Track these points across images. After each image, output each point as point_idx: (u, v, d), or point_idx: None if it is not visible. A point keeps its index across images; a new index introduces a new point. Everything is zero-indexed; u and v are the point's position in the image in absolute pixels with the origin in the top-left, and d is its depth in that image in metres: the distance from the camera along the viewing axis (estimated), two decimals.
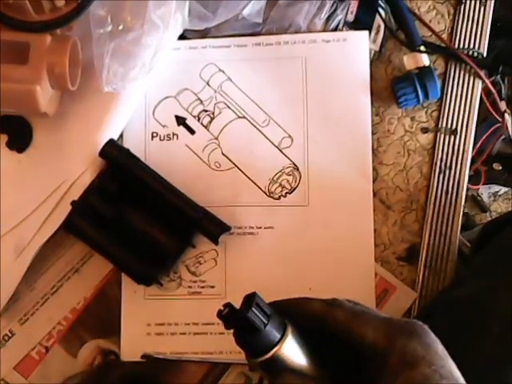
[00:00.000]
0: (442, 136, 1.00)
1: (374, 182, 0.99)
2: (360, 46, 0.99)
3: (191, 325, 0.97)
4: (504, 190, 1.17)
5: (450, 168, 0.99)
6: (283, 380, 0.61)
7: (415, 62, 0.99)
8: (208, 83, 1.00)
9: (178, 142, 0.99)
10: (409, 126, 1.01)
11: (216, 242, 0.95)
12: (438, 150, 1.00)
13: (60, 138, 0.96)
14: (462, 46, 1.02)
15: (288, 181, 0.98)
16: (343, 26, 1.00)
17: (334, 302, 0.66)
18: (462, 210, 0.99)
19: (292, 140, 0.99)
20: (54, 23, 0.87)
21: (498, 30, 1.05)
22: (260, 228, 0.98)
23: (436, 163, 1.00)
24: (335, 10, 0.99)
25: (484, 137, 1.06)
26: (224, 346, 0.95)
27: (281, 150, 0.98)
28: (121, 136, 0.99)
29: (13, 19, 0.85)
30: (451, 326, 0.82)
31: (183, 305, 0.97)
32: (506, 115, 1.03)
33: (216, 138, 0.99)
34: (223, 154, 0.99)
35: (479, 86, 1.01)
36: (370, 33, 1.00)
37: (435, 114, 1.01)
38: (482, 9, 1.02)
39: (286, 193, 0.98)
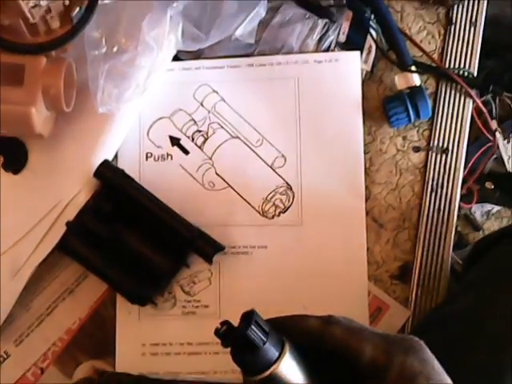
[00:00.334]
0: (434, 155, 1.01)
1: (366, 200, 0.99)
2: (352, 66, 1.00)
3: (186, 345, 0.97)
4: (496, 208, 1.17)
5: (442, 186, 1.00)
6: None
7: (406, 82, 1.00)
8: (202, 104, 1.00)
9: (172, 163, 1.00)
10: (401, 145, 1.01)
11: (210, 262, 0.95)
12: (430, 168, 1.00)
13: (55, 159, 0.96)
14: (452, 65, 1.03)
15: (281, 200, 0.98)
16: (335, 46, 1.00)
17: (331, 318, 0.65)
18: (454, 228, 1.00)
19: (285, 159, 0.99)
20: (49, 45, 0.87)
21: (488, 50, 1.06)
22: (254, 247, 0.98)
23: (428, 182, 1.00)
24: (327, 30, 1.00)
25: (476, 156, 1.06)
26: (218, 365, 0.95)
27: (274, 170, 0.99)
28: (115, 157, 0.99)
29: (8, 41, 0.85)
30: (445, 342, 0.82)
31: (178, 325, 0.97)
32: (497, 134, 1.04)
33: (210, 158, 0.99)
34: (217, 173, 0.99)
35: (470, 105, 1.02)
36: (361, 53, 1.01)
37: (427, 133, 1.02)
38: (473, 29, 1.03)
39: (280, 212, 0.98)
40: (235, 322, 0.59)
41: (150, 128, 1.00)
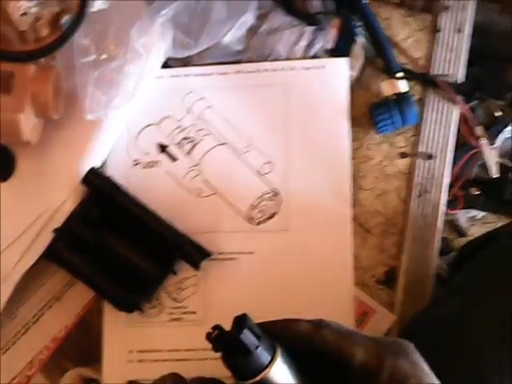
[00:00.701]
0: (420, 161, 1.01)
1: (353, 206, 0.99)
2: (339, 72, 1.01)
3: (173, 351, 0.96)
4: (482, 214, 1.18)
5: (428, 192, 1.01)
6: None
7: (393, 89, 1.00)
8: (190, 111, 1.01)
9: (159, 169, 1.00)
10: (387, 151, 1.02)
11: (197, 268, 0.95)
12: (416, 174, 1.01)
13: (43, 166, 0.96)
14: (439, 72, 1.03)
15: (268, 206, 0.98)
16: (323, 53, 1.01)
17: (321, 322, 0.65)
18: (439, 233, 1.00)
19: (272, 166, 0.99)
20: (38, 53, 0.88)
21: (474, 57, 1.06)
22: (241, 254, 0.98)
23: (414, 187, 1.01)
24: (315, 38, 1.00)
25: (461, 162, 1.07)
26: (206, 371, 0.94)
27: (261, 176, 0.99)
28: (103, 163, 0.99)
29: None
30: (431, 346, 0.82)
31: (165, 331, 0.97)
32: (483, 140, 1.04)
33: (197, 165, 0.99)
34: (204, 180, 0.99)
35: (456, 111, 1.02)
36: (348, 60, 1.01)
37: (413, 139, 1.02)
38: (459, 36, 1.03)
39: (267, 218, 0.98)
40: (231, 324, 0.59)
41: (138, 135, 1.01)
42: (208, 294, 0.98)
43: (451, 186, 1.06)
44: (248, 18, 0.96)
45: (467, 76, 1.04)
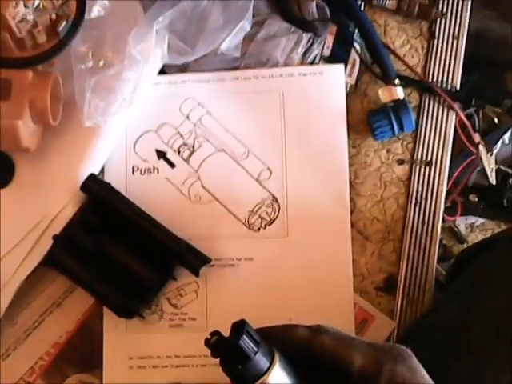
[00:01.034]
0: (418, 167, 1.02)
1: (351, 213, 0.99)
2: (336, 79, 1.01)
3: (173, 357, 0.96)
4: (480, 221, 1.18)
5: (426, 199, 1.01)
6: None
7: (390, 95, 1.01)
8: (188, 117, 1.01)
9: (158, 176, 1.00)
10: (385, 158, 1.02)
11: (197, 274, 0.95)
12: (414, 181, 1.01)
13: (42, 172, 0.96)
14: (435, 79, 1.04)
15: (267, 212, 0.99)
16: (320, 60, 1.02)
17: (319, 328, 0.66)
18: (438, 239, 1.00)
19: (271, 172, 1.00)
20: (36, 59, 0.88)
21: (471, 64, 1.07)
22: (240, 260, 0.98)
23: (412, 194, 1.01)
24: (312, 44, 1.01)
25: (460, 168, 1.07)
26: (206, 378, 0.95)
27: (260, 182, 0.99)
28: (102, 170, 0.99)
29: None
30: (430, 351, 0.82)
31: (165, 337, 0.97)
32: (480, 147, 1.04)
33: (196, 171, 1.00)
34: (203, 186, 0.99)
35: (453, 118, 1.03)
36: (345, 67, 1.02)
37: (411, 145, 1.02)
38: (455, 43, 1.04)
39: (266, 224, 0.99)
40: (230, 330, 0.59)
41: (136, 142, 1.01)
42: (208, 300, 0.98)
43: (449, 192, 1.06)
44: (245, 25, 0.97)
45: (464, 83, 1.05)
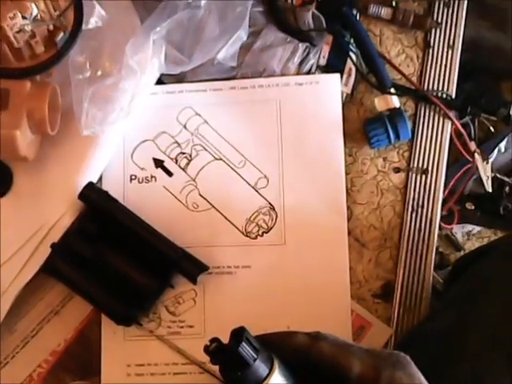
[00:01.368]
0: (414, 175, 1.02)
1: (348, 220, 1.00)
2: (332, 88, 1.02)
3: (171, 365, 0.96)
4: (477, 229, 1.18)
5: (422, 206, 1.01)
6: None
7: (386, 104, 1.01)
8: (185, 126, 1.02)
9: (156, 184, 1.01)
10: (381, 166, 1.03)
11: (194, 282, 0.96)
12: (410, 189, 1.02)
13: (40, 181, 0.97)
14: (431, 88, 1.04)
15: (264, 220, 0.99)
16: (316, 69, 1.02)
17: (318, 335, 0.66)
18: (434, 246, 1.00)
19: (268, 180, 1.00)
20: (34, 70, 0.89)
21: (467, 74, 1.08)
22: (237, 267, 0.99)
23: (408, 202, 1.01)
24: (308, 54, 1.02)
25: (456, 177, 1.07)
26: None
27: (257, 191, 1.00)
28: (100, 179, 1.00)
29: None
30: (428, 359, 0.83)
31: (163, 345, 0.97)
32: (476, 155, 1.05)
33: (193, 180, 1.00)
34: (201, 195, 1.00)
35: (448, 126, 1.04)
36: (341, 76, 1.02)
37: (407, 154, 1.03)
38: (450, 52, 1.05)
39: (263, 232, 0.99)
40: (229, 337, 0.59)
41: (134, 150, 1.02)
42: (205, 307, 0.98)
43: (446, 200, 1.06)
44: (241, 35, 0.97)
45: (460, 91, 1.05)
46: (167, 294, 0.98)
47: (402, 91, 1.04)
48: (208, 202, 1.00)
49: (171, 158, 1.01)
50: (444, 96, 1.04)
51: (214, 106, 1.02)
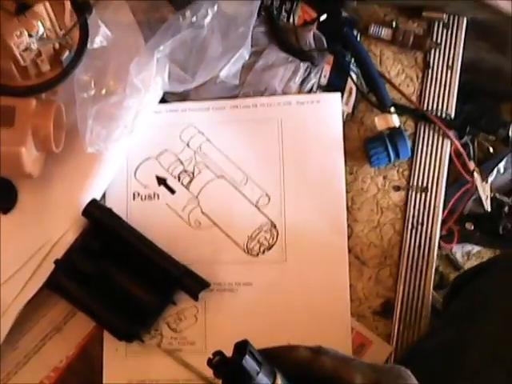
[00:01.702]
0: (414, 194, 1.03)
1: (348, 238, 1.00)
2: (333, 107, 1.03)
3: (172, 382, 0.97)
4: (477, 248, 1.18)
5: (422, 224, 1.02)
6: None
7: (386, 123, 1.02)
8: (188, 144, 1.02)
9: (158, 202, 1.01)
10: (381, 185, 1.03)
11: (196, 299, 0.96)
12: (410, 207, 1.02)
13: (44, 198, 0.97)
14: (430, 107, 1.06)
15: (266, 238, 1.00)
16: (317, 89, 1.03)
17: (320, 349, 0.66)
18: (434, 264, 1.01)
19: (269, 198, 1.01)
20: (39, 88, 0.90)
21: (466, 95, 1.09)
22: (239, 284, 0.99)
23: (408, 220, 1.02)
24: (309, 73, 1.03)
25: (455, 196, 1.08)
26: None
27: (258, 208, 1.00)
28: (103, 196, 1.01)
29: None
30: (428, 375, 0.83)
31: (164, 361, 0.97)
32: (475, 175, 1.05)
33: (196, 198, 1.01)
34: (203, 212, 1.00)
35: (448, 145, 1.04)
36: (342, 95, 1.03)
37: (406, 172, 1.04)
38: (449, 72, 1.06)
39: (264, 250, 1.00)
40: (232, 350, 0.60)
41: (137, 168, 1.02)
42: (207, 324, 0.98)
43: (446, 220, 1.07)
44: (243, 53, 0.98)
45: (459, 112, 1.06)
46: (169, 310, 0.98)
47: (401, 110, 1.05)
48: (210, 219, 1.00)
49: (174, 176, 1.02)
50: (443, 115, 1.05)
51: (216, 125, 1.03)
